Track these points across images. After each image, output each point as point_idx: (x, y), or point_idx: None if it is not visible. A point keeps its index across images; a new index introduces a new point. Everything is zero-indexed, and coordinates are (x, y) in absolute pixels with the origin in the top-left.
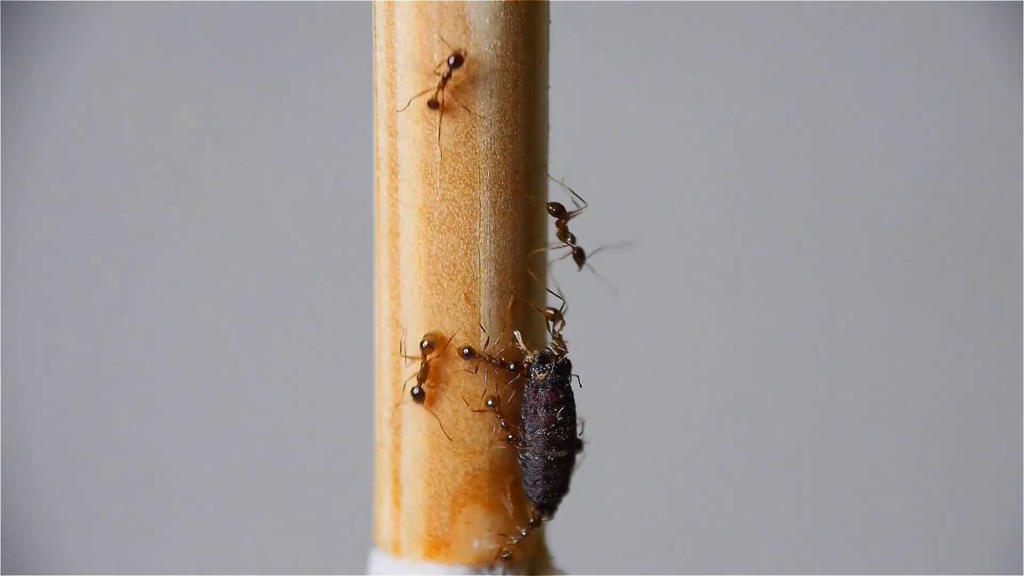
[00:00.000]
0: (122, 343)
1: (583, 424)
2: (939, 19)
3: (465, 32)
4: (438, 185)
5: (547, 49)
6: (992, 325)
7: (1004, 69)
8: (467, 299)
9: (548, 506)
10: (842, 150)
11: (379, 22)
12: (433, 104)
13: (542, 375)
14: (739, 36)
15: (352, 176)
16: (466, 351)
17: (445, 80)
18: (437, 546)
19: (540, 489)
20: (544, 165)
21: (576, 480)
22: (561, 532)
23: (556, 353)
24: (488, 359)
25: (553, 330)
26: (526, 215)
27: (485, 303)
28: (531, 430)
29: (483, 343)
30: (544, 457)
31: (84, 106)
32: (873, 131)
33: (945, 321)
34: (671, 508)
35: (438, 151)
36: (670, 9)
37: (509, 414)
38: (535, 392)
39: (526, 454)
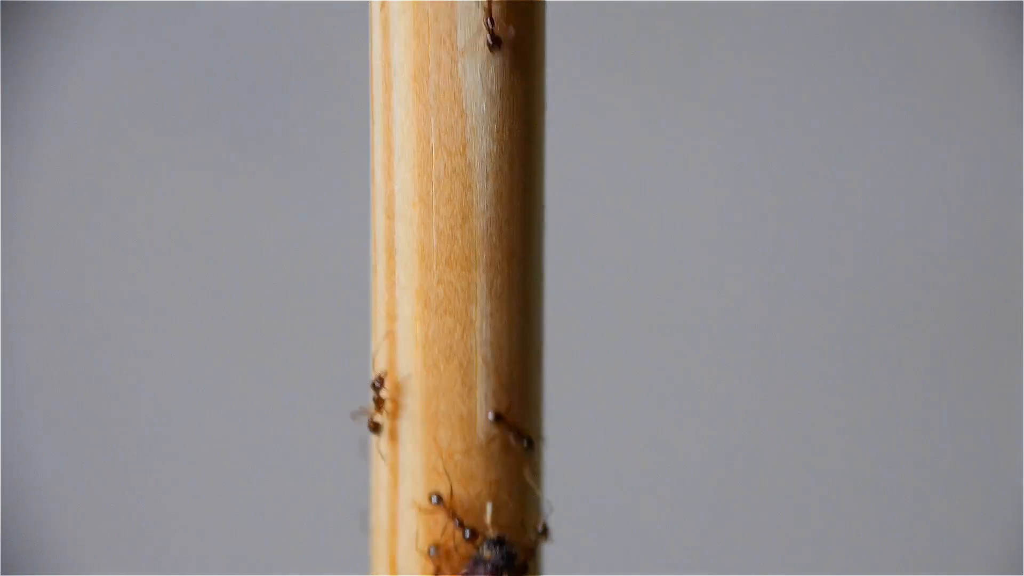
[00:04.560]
0: (121, 343)
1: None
2: (939, 19)
3: (462, 117)
4: (435, 268)
5: (543, 133)
6: (993, 326)
7: (1004, 69)
8: (463, 382)
9: None
10: (840, 150)
11: (376, 108)
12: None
13: (488, 554)
14: (735, 36)
15: (350, 259)
16: (434, 498)
17: None
18: None
19: None
20: (540, 246)
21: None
22: (562, 534)
23: (516, 552)
24: (452, 515)
25: (530, 533)
26: (522, 298)
27: (482, 386)
28: None
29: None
30: None
31: (82, 106)
32: (872, 131)
33: (945, 321)
34: (671, 512)
35: (435, 234)
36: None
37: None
38: (475, 564)
39: None
